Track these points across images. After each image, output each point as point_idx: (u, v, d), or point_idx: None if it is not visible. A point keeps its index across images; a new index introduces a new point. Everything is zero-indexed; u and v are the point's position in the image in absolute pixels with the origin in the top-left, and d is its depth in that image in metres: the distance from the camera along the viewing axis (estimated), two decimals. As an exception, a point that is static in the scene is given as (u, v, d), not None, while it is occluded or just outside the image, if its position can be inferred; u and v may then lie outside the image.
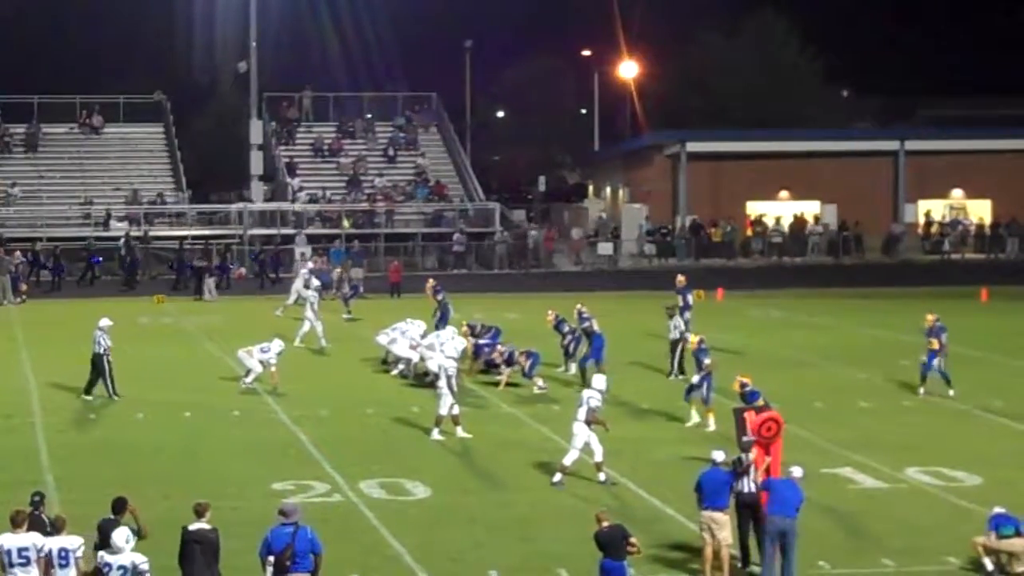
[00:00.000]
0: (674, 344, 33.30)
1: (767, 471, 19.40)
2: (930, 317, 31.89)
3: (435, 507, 22.20)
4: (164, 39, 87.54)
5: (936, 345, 30.90)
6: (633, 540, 16.97)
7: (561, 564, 19.04)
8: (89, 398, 30.82)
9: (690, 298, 37.85)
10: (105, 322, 31.22)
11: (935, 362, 30.93)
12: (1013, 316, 44.78)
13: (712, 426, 27.28)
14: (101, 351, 30.76)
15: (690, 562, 19.15)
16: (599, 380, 23.93)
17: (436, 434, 26.84)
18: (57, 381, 33.17)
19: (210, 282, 51.08)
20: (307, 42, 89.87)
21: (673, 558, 19.45)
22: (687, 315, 37.81)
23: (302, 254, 54.78)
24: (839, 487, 23.10)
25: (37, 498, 16.99)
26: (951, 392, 30.74)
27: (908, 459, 24.97)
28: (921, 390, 31.08)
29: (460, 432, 26.89)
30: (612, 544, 16.82)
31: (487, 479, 24.14)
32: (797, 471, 18.76)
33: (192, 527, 16.12)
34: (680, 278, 38.48)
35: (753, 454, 19.19)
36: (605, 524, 17.01)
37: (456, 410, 27.00)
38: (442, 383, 26.97)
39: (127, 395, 31.09)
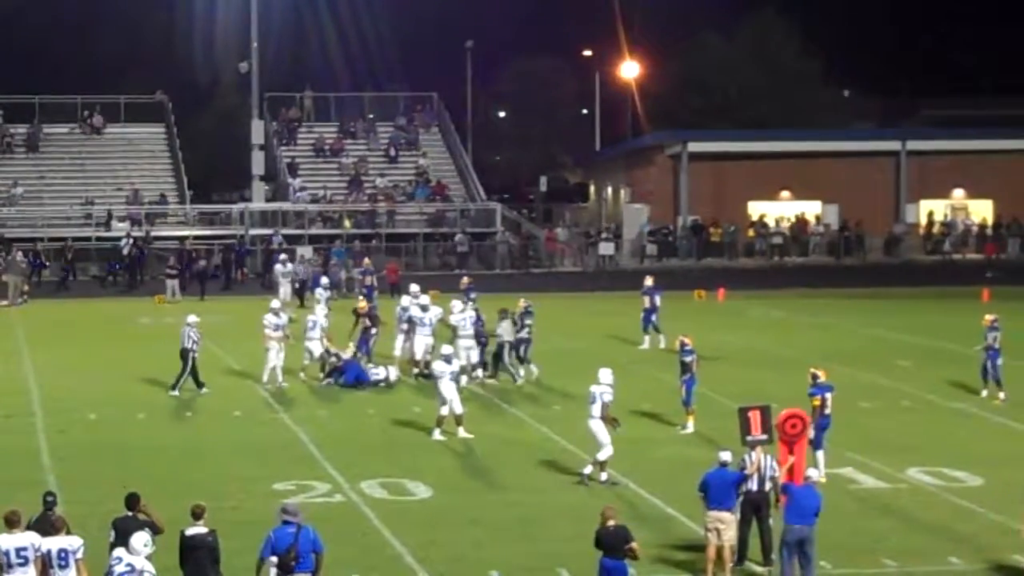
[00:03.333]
0: (500, 347, 32.92)
1: (790, 472, 19.34)
2: (988, 317, 31.18)
3: (436, 507, 22.19)
4: (165, 39, 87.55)
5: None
6: (634, 545, 16.92)
7: (562, 564, 19.03)
8: (175, 393, 31.15)
9: (657, 299, 37.88)
10: (193, 318, 31.50)
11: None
12: (1014, 316, 44.69)
13: (690, 428, 27.23)
14: (190, 345, 31.04)
15: (691, 562, 19.13)
16: (606, 374, 23.73)
17: (437, 434, 26.83)
18: (58, 381, 33.21)
19: (174, 284, 50.88)
20: (308, 42, 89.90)
21: (675, 558, 19.43)
22: (654, 317, 37.92)
23: (301, 255, 54.75)
24: (840, 487, 23.06)
25: (51, 498, 16.85)
26: (984, 393, 30.81)
27: (909, 459, 24.97)
28: (987, 391, 30.91)
29: (462, 432, 26.88)
30: (614, 544, 16.80)
31: (488, 479, 24.14)
32: (814, 473, 18.61)
33: (189, 532, 16.06)
34: (647, 279, 38.56)
35: (756, 454, 19.17)
36: (611, 523, 16.96)
37: (459, 410, 26.97)
38: (443, 384, 26.91)
39: (127, 395, 31.15)
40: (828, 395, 23.60)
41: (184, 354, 31.09)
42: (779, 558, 18.06)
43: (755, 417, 20.09)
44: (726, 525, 18.45)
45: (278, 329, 32.18)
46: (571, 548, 19.38)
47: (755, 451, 19.30)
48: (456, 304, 33.29)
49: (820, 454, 23.40)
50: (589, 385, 23.64)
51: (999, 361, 30.57)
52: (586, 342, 39.04)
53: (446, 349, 28.25)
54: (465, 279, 39.47)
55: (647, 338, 37.98)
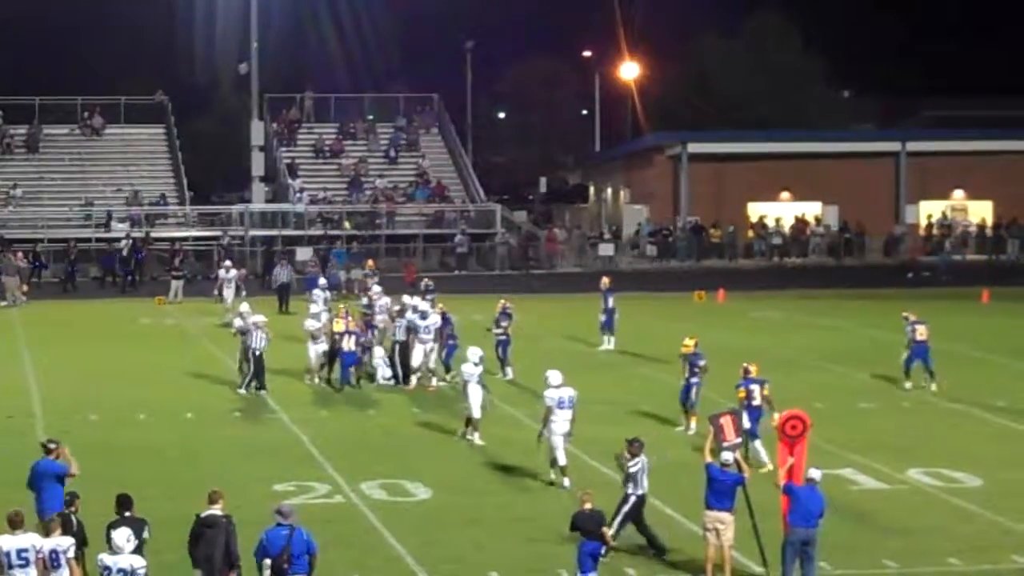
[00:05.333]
0: (394, 345, 33.00)
1: (789, 472, 19.32)
2: (904, 314, 32.60)
3: (436, 508, 22.20)
4: (165, 40, 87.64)
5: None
6: (606, 531, 17.05)
7: (561, 565, 19.02)
8: (248, 391, 31.59)
9: (610, 301, 37.90)
10: (260, 319, 31.82)
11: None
12: (1014, 317, 44.78)
13: (693, 429, 27.22)
14: (261, 345, 31.46)
15: (690, 562, 19.14)
16: (556, 376, 23.56)
17: (477, 438, 26.58)
18: (59, 382, 33.20)
19: (178, 285, 50.65)
20: (308, 43, 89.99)
21: (675, 558, 19.43)
22: (604, 317, 37.93)
23: (284, 261, 54.09)
24: (840, 488, 23.05)
25: (67, 498, 16.83)
26: (908, 385, 31.87)
27: (909, 460, 24.98)
28: (908, 384, 31.97)
29: (471, 434, 26.74)
30: (589, 527, 16.98)
31: (488, 480, 24.14)
32: (816, 473, 18.54)
33: (204, 513, 16.25)
34: (604, 280, 38.64)
35: (732, 456, 19.02)
36: (587, 506, 17.12)
37: (477, 415, 26.69)
38: (471, 388, 26.71)
39: (128, 396, 31.16)
40: (755, 388, 24.01)
41: (251, 354, 31.50)
42: (782, 557, 18.06)
43: (728, 423, 20.05)
44: (725, 525, 18.45)
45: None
46: (571, 548, 19.34)
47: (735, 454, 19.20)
48: (422, 304, 33.67)
49: (758, 443, 23.97)
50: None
51: (927, 352, 31.48)
52: (585, 343, 39.04)
53: (472, 352, 28.05)
54: (426, 279, 39.77)
55: (605, 338, 38.06)
